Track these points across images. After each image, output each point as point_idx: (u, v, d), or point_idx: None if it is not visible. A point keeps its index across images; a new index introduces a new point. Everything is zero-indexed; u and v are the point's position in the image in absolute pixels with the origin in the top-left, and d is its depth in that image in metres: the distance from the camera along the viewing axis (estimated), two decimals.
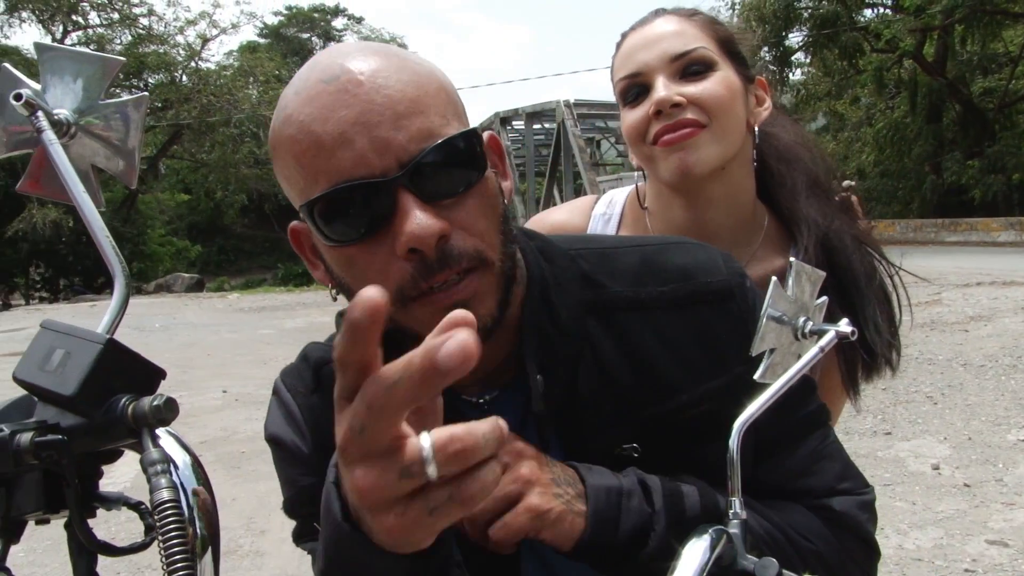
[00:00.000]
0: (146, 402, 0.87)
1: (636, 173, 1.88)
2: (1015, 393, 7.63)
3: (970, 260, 16.86)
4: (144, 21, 39.16)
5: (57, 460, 0.87)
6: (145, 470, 0.84)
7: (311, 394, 1.14)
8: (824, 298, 1.08)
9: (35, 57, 1.20)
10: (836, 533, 1.10)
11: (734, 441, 0.95)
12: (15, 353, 13.86)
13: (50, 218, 31.83)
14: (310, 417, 1.12)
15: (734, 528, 0.95)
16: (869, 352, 1.66)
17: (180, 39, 39.90)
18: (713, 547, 0.95)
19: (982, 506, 5.19)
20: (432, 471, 0.59)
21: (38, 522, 0.99)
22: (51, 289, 35.83)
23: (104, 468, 0.99)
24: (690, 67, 1.61)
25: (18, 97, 1.11)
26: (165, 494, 0.82)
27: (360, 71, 0.94)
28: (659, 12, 1.72)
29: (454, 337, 0.57)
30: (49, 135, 1.11)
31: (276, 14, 61.40)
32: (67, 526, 0.95)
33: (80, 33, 38.39)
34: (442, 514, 0.61)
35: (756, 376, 1.00)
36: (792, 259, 1.07)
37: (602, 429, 1.07)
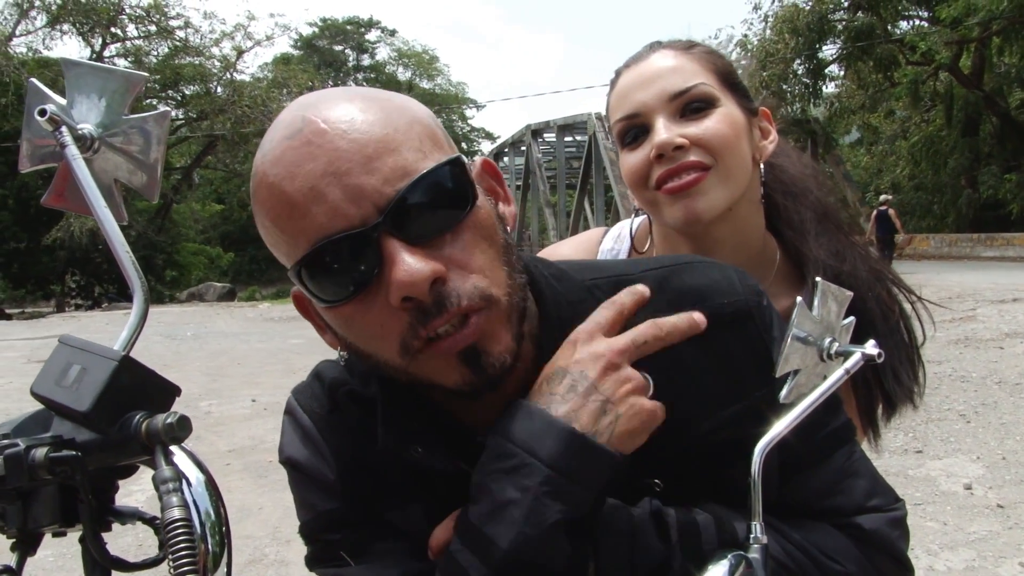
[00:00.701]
0: (159, 419, 0.87)
1: (635, 213, 1.83)
2: None
3: (1006, 276, 16.60)
4: (181, 34, 39.77)
5: (71, 475, 0.87)
6: (157, 488, 0.84)
7: (327, 415, 1.11)
8: (851, 319, 1.06)
9: (34, 81, 1.21)
10: (867, 553, 1.07)
11: (755, 465, 0.93)
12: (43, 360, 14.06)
13: (87, 227, 32.30)
14: (332, 439, 1.10)
15: (754, 553, 0.94)
16: (888, 400, 1.62)
17: (216, 51, 40.50)
18: (733, 572, 0.95)
19: (1016, 528, 5.09)
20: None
21: (55, 534, 1.00)
22: (86, 296, 36.32)
23: (122, 482, 1.00)
24: (690, 105, 1.54)
25: (42, 113, 1.12)
26: (176, 512, 0.81)
27: (323, 119, 0.90)
28: (654, 46, 1.66)
29: None
30: (72, 150, 1.12)
31: (311, 24, 62.04)
32: (82, 540, 0.95)
33: (118, 45, 39.09)
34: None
35: (780, 397, 0.98)
36: (818, 279, 1.05)
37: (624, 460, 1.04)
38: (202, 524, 0.95)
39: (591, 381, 0.95)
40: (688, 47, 1.62)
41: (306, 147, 0.88)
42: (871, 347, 1.00)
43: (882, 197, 18.85)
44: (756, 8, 33.59)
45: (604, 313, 1.02)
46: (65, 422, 0.92)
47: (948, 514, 5.36)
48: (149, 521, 1.02)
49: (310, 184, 0.87)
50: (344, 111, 0.91)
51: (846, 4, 30.94)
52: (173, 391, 0.95)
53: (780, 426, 0.95)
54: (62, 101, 1.18)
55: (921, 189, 33.32)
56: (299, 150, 0.89)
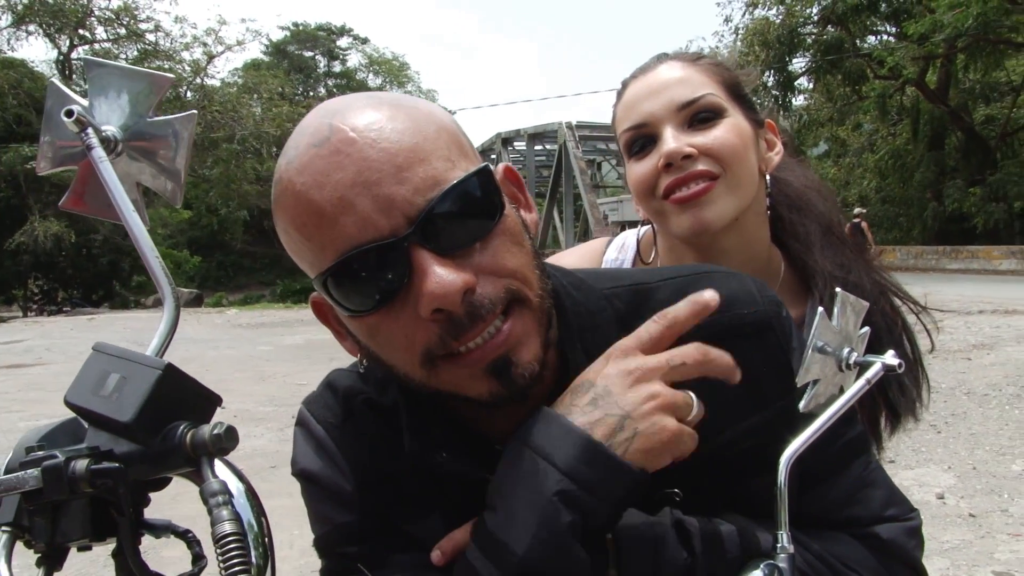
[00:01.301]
0: (206, 430, 0.84)
1: (640, 223, 1.82)
2: (1020, 423, 7.61)
3: (971, 288, 16.89)
4: (151, 37, 39.28)
5: (112, 488, 0.84)
6: (206, 501, 0.81)
7: (342, 424, 1.10)
8: (866, 329, 1.07)
9: (41, 71, 1.18)
10: (884, 562, 1.07)
11: (782, 475, 0.94)
12: (13, 365, 13.83)
13: (52, 231, 31.84)
14: (348, 451, 1.08)
15: (782, 563, 0.95)
16: (893, 412, 1.62)
17: (186, 55, 40.02)
18: None
19: (988, 537, 5.16)
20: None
21: (80, 549, 0.97)
22: (50, 301, 35.77)
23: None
24: (698, 115, 1.55)
25: (69, 113, 1.09)
26: (228, 527, 0.79)
27: (351, 127, 0.88)
28: (661, 58, 1.66)
29: None
30: (99, 152, 1.09)
31: (283, 28, 61.67)
32: (115, 555, 0.92)
33: (86, 47, 38.53)
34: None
35: (800, 407, 0.99)
36: (838, 289, 1.05)
37: None
38: (245, 535, 0.92)
39: (613, 395, 0.92)
40: (695, 59, 1.63)
41: (335, 156, 0.87)
42: (891, 357, 1.01)
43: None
44: (727, 21, 34.07)
45: (650, 328, 0.97)
46: (101, 433, 0.89)
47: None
48: (182, 534, 0.99)
49: (339, 194, 0.86)
50: (372, 119, 0.90)
51: (816, 18, 31.46)
52: (215, 400, 0.93)
53: (806, 435, 0.96)
54: (84, 103, 1.16)
55: (888, 202, 33.80)
56: (328, 159, 0.87)
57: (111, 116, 1.16)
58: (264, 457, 7.39)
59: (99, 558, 0.93)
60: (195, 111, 1.22)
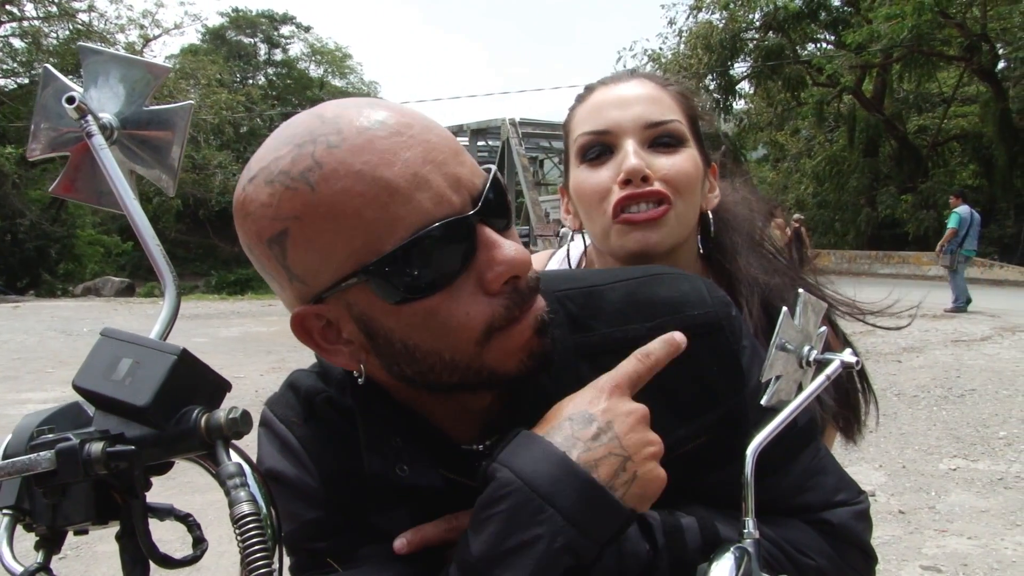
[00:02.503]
0: (221, 414, 0.86)
1: (568, 233, 1.76)
2: (946, 423, 7.86)
3: (902, 292, 17.11)
4: (84, 17, 38.21)
5: (125, 471, 0.85)
6: (223, 483, 0.83)
7: (304, 423, 1.10)
8: (824, 328, 1.12)
9: (50, 68, 1.18)
10: (836, 546, 1.10)
11: (748, 465, 0.97)
12: None
13: None
14: (312, 448, 1.08)
15: (750, 548, 0.97)
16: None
17: (121, 37, 39.00)
18: (738, 566, 0.99)
19: (916, 532, 5.33)
20: None
21: (77, 532, 0.97)
22: None
23: None
24: (662, 138, 1.53)
25: (71, 100, 1.09)
26: (246, 507, 0.80)
27: (400, 114, 0.91)
28: (634, 72, 1.65)
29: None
30: (99, 139, 1.10)
31: (223, 15, 60.37)
32: (119, 537, 0.93)
33: (14, 25, 37.34)
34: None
35: (763, 402, 1.03)
36: (800, 291, 1.09)
37: None
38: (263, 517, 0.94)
39: (616, 435, 0.93)
40: (666, 83, 1.62)
41: (397, 136, 0.87)
42: (848, 355, 1.06)
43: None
44: (671, 23, 34.21)
45: (638, 368, 1.00)
46: (110, 417, 0.90)
47: None
48: (183, 518, 1.01)
49: (413, 170, 0.86)
50: (408, 113, 0.92)
51: (758, 24, 31.88)
52: (225, 386, 0.94)
53: (770, 427, 1.00)
54: (79, 89, 1.16)
55: (824, 207, 34.41)
56: (390, 139, 0.87)
57: (106, 104, 1.16)
58: None
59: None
60: (191, 101, 1.22)
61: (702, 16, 32.47)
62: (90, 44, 1.20)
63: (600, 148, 1.55)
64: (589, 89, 1.65)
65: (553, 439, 0.92)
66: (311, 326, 0.97)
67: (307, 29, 63.26)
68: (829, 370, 1.05)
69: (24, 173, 31.62)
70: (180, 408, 0.88)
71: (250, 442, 0.95)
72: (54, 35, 37.61)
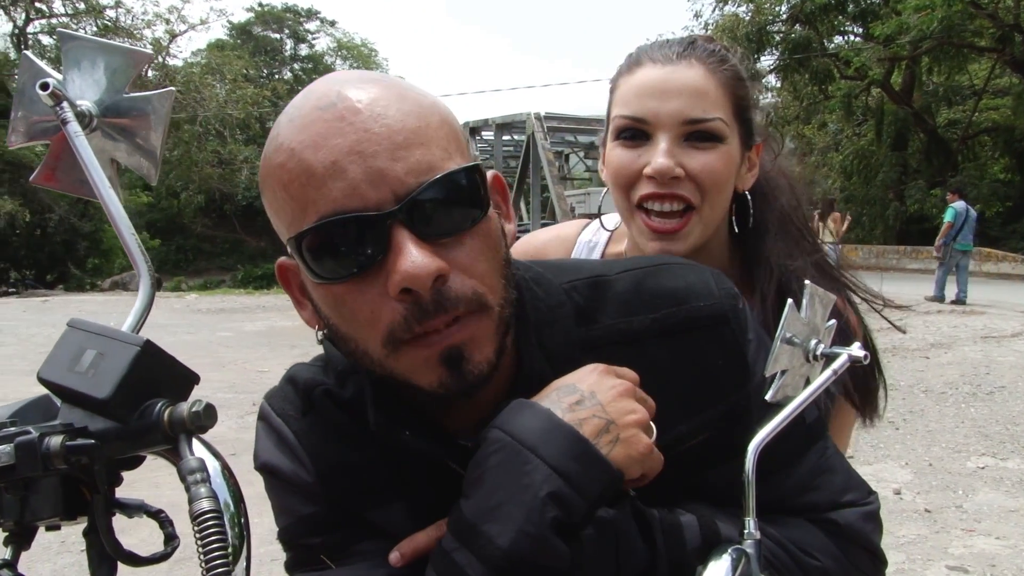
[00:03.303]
0: (184, 408, 0.84)
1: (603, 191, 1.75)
2: (974, 421, 7.76)
3: (930, 288, 17.19)
4: (111, 13, 38.63)
5: (87, 466, 0.83)
6: (184, 478, 0.81)
7: (302, 417, 1.10)
8: (833, 321, 1.08)
9: (28, 55, 1.16)
10: (842, 547, 1.09)
11: (749, 463, 0.95)
12: None
13: (5, 210, 31.17)
14: (307, 442, 1.08)
15: (749, 548, 0.96)
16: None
17: (147, 33, 39.37)
18: (735, 567, 0.96)
19: (943, 532, 5.26)
20: None
21: (48, 528, 0.95)
22: (1, 282, 35.04)
23: None
24: (699, 134, 1.51)
25: (44, 87, 1.07)
26: (205, 504, 0.78)
27: (358, 99, 0.90)
28: (687, 50, 1.56)
29: None
30: (74, 127, 1.08)
31: (248, 10, 60.75)
32: (86, 533, 0.91)
33: (44, 22, 37.76)
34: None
35: (768, 397, 1.01)
36: (807, 282, 1.07)
37: None
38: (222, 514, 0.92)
39: (599, 402, 0.94)
40: (718, 66, 1.56)
41: (338, 121, 0.88)
42: (857, 349, 1.03)
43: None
44: (697, 16, 34.05)
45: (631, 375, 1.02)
46: (75, 409, 0.88)
47: None
48: (154, 514, 0.99)
49: (333, 158, 0.87)
50: (381, 95, 0.91)
51: (784, 17, 31.63)
52: (192, 378, 0.92)
53: (773, 424, 0.97)
54: (58, 76, 1.14)
55: (851, 201, 33.97)
56: (330, 123, 0.88)
57: (86, 91, 1.15)
58: (223, 444, 7.24)
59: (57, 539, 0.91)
60: (173, 88, 1.21)
61: (728, 9, 32.31)
62: (69, 31, 1.18)
63: (635, 132, 1.54)
64: (638, 60, 1.60)
65: (540, 403, 0.94)
66: (290, 278, 1.02)
67: (332, 24, 63.61)
68: (836, 364, 1.02)
69: None
70: (144, 401, 0.86)
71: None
72: (82, 32, 37.90)
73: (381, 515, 1.05)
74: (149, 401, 0.86)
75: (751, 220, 1.65)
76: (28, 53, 1.16)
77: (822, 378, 1.01)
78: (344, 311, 0.93)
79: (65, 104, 1.08)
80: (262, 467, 1.10)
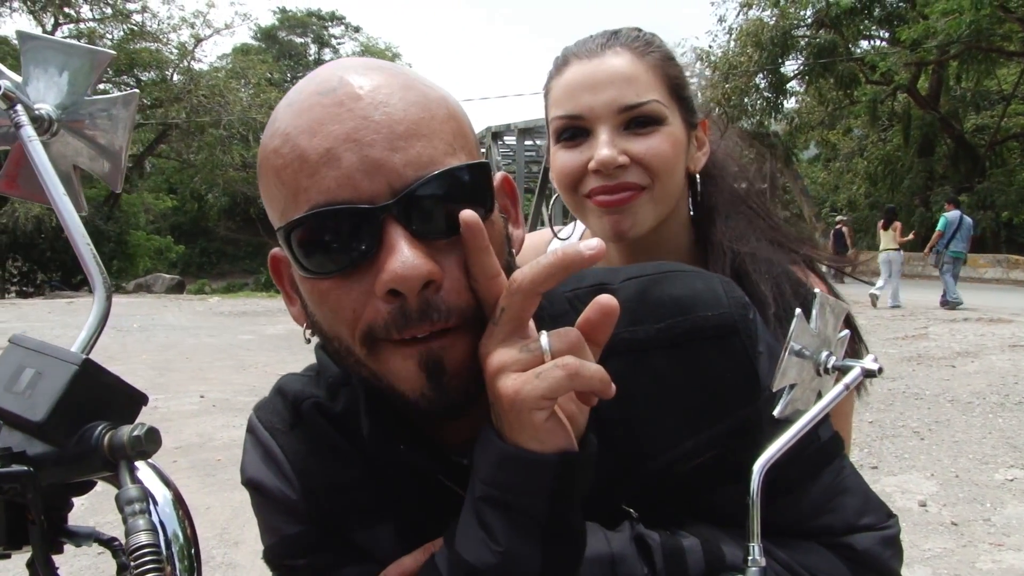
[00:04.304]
0: (125, 432, 0.78)
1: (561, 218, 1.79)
2: (1003, 432, 7.59)
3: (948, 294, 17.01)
4: (137, 17, 39.00)
5: (21, 493, 0.78)
6: (121, 509, 0.75)
7: (290, 430, 1.05)
8: (846, 332, 1.03)
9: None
10: (858, 573, 1.03)
11: (754, 483, 0.89)
12: None
13: (33, 213, 31.62)
14: (295, 459, 1.04)
15: None
16: None
17: (173, 37, 39.77)
18: None
19: (970, 546, 5.13)
20: (545, 343, 0.80)
21: None
22: (28, 283, 35.46)
23: None
24: (638, 119, 1.49)
25: None
26: (143, 537, 0.72)
27: (360, 85, 0.85)
28: (610, 41, 1.56)
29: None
30: (28, 131, 1.03)
31: (274, 13, 61.27)
32: (30, 564, 0.86)
33: (71, 26, 38.13)
34: (546, 376, 0.78)
35: (775, 413, 0.95)
36: (817, 291, 1.02)
37: (601, 487, 0.93)
38: (168, 546, 0.86)
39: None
40: (644, 50, 1.55)
41: (336, 107, 0.84)
42: (870, 361, 0.98)
43: (838, 217, 20.54)
44: (721, 20, 34.03)
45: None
46: (15, 433, 0.83)
47: (904, 531, 5.39)
48: (107, 543, 0.93)
49: (328, 145, 0.82)
50: (385, 83, 0.86)
51: (810, 21, 31.46)
52: (139, 399, 0.86)
53: (781, 442, 0.91)
54: (17, 78, 1.09)
55: (876, 207, 33.79)
56: (328, 108, 0.84)
57: (47, 94, 1.10)
58: (238, 449, 7.28)
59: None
60: (137, 91, 1.16)
61: (752, 13, 32.12)
62: (27, 30, 1.12)
63: (574, 131, 1.53)
64: (565, 59, 1.59)
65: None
66: (282, 270, 0.98)
67: (357, 29, 64.06)
68: (848, 378, 0.97)
69: None
70: (84, 424, 0.81)
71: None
72: (109, 36, 38.36)
73: (368, 536, 1.01)
74: (89, 424, 0.80)
75: (707, 198, 1.63)
76: None
77: (834, 392, 0.96)
78: (327, 307, 0.87)
79: (19, 107, 1.02)
80: (248, 483, 1.07)
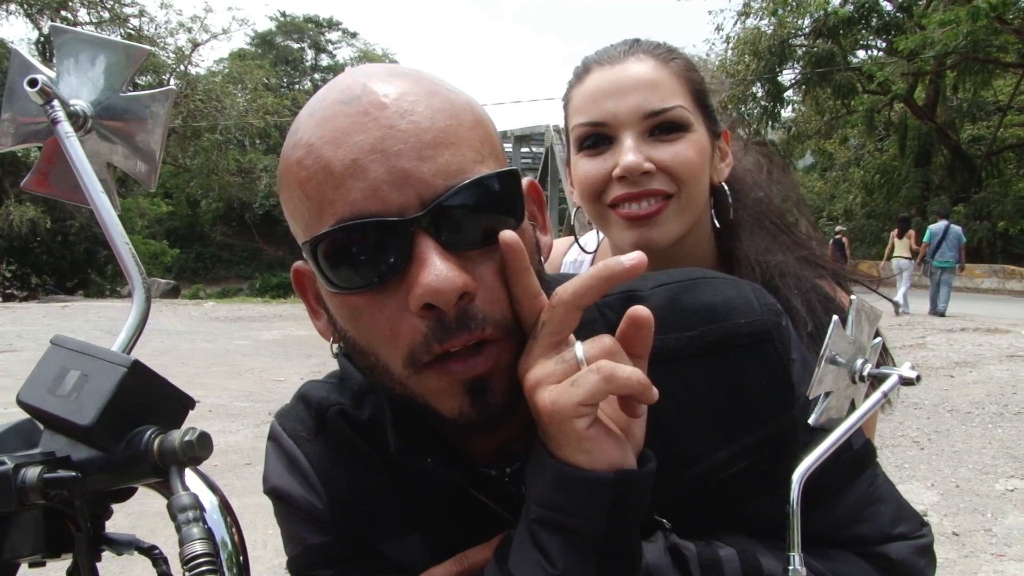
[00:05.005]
0: (175, 436, 0.75)
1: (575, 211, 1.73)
2: (1002, 441, 7.59)
3: (954, 305, 17.02)
4: (135, 22, 38.90)
5: (67, 500, 0.75)
6: (174, 517, 0.72)
7: (314, 438, 1.03)
8: (879, 339, 1.01)
9: (18, 50, 1.09)
10: None
11: (794, 492, 0.87)
12: None
13: (27, 216, 31.44)
14: (320, 467, 1.01)
15: None
16: None
17: (170, 42, 39.66)
18: None
19: (971, 556, 5.11)
20: (579, 352, 0.79)
21: (32, 565, 0.88)
22: (22, 287, 35.30)
23: None
24: (663, 126, 1.46)
25: (33, 83, 1.00)
26: (198, 547, 0.70)
27: (384, 93, 0.82)
28: (632, 48, 1.54)
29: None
30: (65, 127, 1.00)
31: (271, 18, 61.27)
32: (70, 573, 0.83)
33: None
34: (581, 383, 0.76)
35: (811, 421, 0.93)
36: (853, 297, 1.00)
37: None
38: (217, 553, 0.83)
39: None
40: (667, 57, 1.53)
41: (361, 116, 0.81)
42: (907, 369, 0.96)
43: (837, 227, 20.82)
44: (719, 29, 34.14)
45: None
46: (58, 436, 0.80)
47: None
48: (147, 551, 0.90)
49: (354, 155, 0.79)
50: (410, 90, 0.83)
51: (807, 30, 31.50)
52: (187, 403, 0.84)
53: (819, 451, 0.89)
54: (51, 73, 1.06)
55: (873, 216, 33.90)
56: (352, 118, 0.81)
57: (81, 90, 1.07)
58: (239, 454, 7.27)
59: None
60: (173, 87, 1.13)
61: (750, 22, 32.25)
62: (63, 25, 1.10)
63: (598, 139, 1.49)
64: (586, 68, 1.56)
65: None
66: (306, 284, 0.95)
67: (354, 35, 64.11)
68: (886, 386, 0.94)
69: None
70: (132, 428, 0.78)
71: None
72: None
73: (396, 547, 0.99)
74: (137, 428, 0.78)
75: (731, 212, 1.60)
76: (17, 48, 1.08)
77: (870, 401, 0.93)
78: (361, 324, 0.84)
79: (56, 103, 1.00)
80: (271, 491, 1.04)
